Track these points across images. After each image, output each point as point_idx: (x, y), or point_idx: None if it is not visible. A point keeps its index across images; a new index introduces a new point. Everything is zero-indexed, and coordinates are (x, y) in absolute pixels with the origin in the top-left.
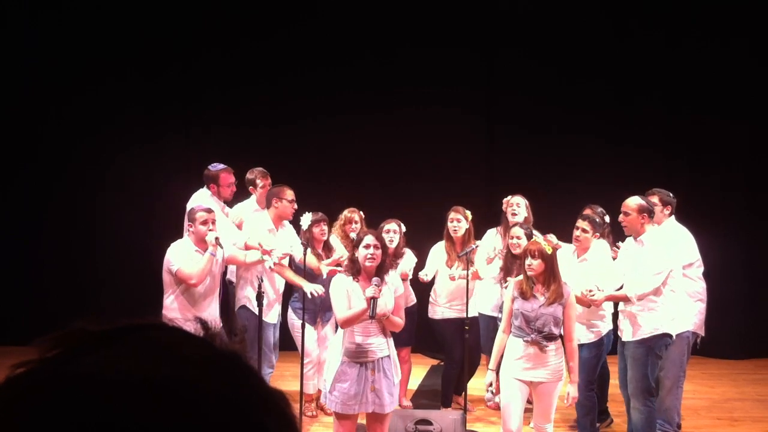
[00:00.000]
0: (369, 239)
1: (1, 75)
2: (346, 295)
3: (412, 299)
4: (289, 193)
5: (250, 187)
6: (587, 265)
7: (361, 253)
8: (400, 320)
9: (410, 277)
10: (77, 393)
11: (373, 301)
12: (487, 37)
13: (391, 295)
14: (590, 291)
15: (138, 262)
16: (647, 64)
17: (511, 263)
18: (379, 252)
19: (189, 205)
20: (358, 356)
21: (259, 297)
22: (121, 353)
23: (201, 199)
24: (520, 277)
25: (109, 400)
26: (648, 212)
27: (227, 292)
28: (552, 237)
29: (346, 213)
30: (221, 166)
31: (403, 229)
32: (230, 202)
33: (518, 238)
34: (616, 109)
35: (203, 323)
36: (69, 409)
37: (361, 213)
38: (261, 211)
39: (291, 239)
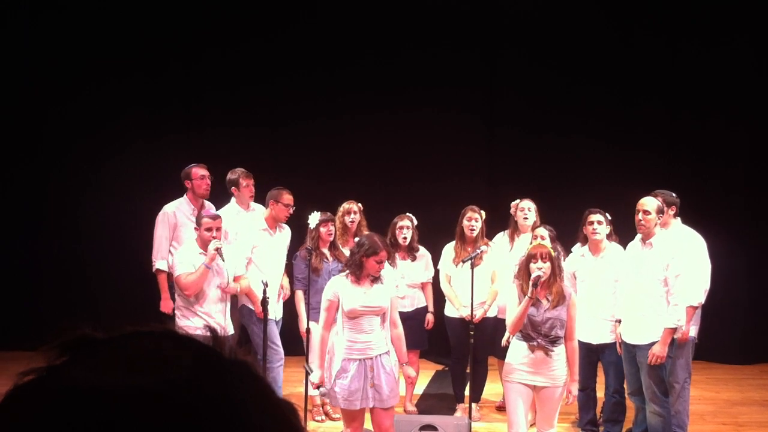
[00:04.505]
0: (384, 256)
1: (1, 75)
2: (335, 297)
3: (422, 302)
4: (287, 198)
5: (232, 187)
6: (606, 261)
7: (372, 266)
8: (399, 329)
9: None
10: (86, 399)
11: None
12: (489, 38)
13: (387, 296)
14: (655, 356)
15: (138, 262)
16: (648, 65)
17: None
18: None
19: (165, 210)
20: (357, 353)
21: (264, 303)
22: (130, 361)
23: (176, 206)
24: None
25: (116, 405)
26: (663, 213)
27: None
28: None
29: (344, 205)
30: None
31: (415, 222)
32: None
33: (542, 238)
34: (617, 111)
35: (212, 330)
36: (76, 413)
37: (360, 205)
38: (244, 212)
39: (287, 242)
